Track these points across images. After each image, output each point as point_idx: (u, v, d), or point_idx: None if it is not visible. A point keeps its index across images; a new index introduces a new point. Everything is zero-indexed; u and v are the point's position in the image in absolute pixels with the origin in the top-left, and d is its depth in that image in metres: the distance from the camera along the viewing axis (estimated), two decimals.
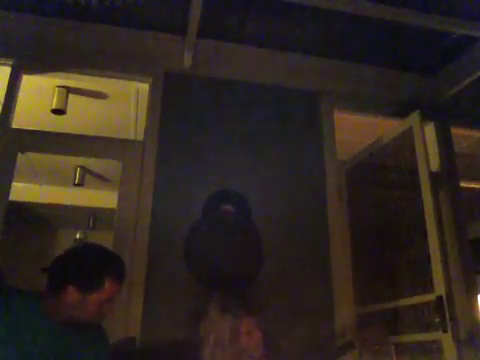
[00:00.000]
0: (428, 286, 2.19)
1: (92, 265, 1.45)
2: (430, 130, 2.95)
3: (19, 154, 2.46)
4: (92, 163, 4.30)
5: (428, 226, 2.25)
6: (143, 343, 2.11)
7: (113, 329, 1.73)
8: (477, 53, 2.76)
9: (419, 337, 2.28)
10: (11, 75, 2.55)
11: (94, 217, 5.51)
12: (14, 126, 2.53)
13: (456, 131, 3.05)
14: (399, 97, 3.03)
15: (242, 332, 1.76)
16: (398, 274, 2.49)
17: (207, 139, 2.63)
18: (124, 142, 2.77)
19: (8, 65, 2.56)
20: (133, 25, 2.69)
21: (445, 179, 2.83)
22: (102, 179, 4.74)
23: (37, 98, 3.27)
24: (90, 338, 1.53)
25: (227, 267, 2.27)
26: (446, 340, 2.06)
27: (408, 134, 2.49)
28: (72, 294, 1.40)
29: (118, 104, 3.42)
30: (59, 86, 3.20)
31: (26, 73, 2.63)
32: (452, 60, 2.94)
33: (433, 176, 2.39)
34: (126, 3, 2.50)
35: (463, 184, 2.96)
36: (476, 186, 3.81)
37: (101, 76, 2.74)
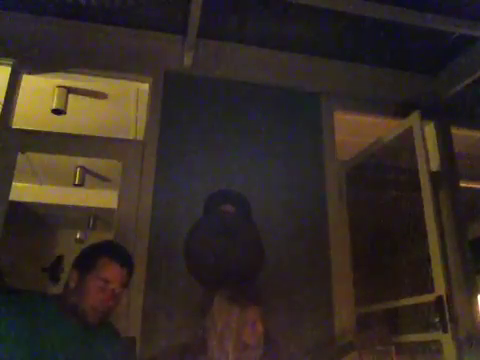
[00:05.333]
0: (428, 286, 2.19)
1: (90, 247, 1.58)
2: (430, 130, 2.94)
3: (19, 154, 2.46)
4: (92, 163, 4.31)
5: (428, 226, 2.25)
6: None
7: None
8: (477, 53, 2.76)
9: (419, 337, 2.28)
10: (11, 75, 2.55)
11: (94, 217, 5.52)
12: (14, 126, 2.52)
13: (456, 131, 3.05)
14: (399, 97, 3.02)
15: (247, 322, 1.71)
16: (398, 274, 2.49)
17: (207, 139, 2.63)
18: (124, 142, 2.78)
19: (8, 65, 2.56)
20: (133, 25, 2.69)
21: (445, 179, 2.83)
22: (102, 179, 4.74)
23: (37, 98, 3.27)
24: (104, 336, 1.53)
25: (227, 267, 2.27)
26: (446, 340, 2.06)
27: (408, 134, 2.49)
28: (74, 277, 1.47)
29: (118, 104, 3.42)
30: (59, 86, 3.21)
31: (26, 73, 2.63)
32: (452, 60, 2.94)
33: (433, 176, 2.39)
34: (126, 3, 2.50)
35: (463, 184, 2.96)
36: (476, 186, 3.81)
37: (101, 76, 2.74)
